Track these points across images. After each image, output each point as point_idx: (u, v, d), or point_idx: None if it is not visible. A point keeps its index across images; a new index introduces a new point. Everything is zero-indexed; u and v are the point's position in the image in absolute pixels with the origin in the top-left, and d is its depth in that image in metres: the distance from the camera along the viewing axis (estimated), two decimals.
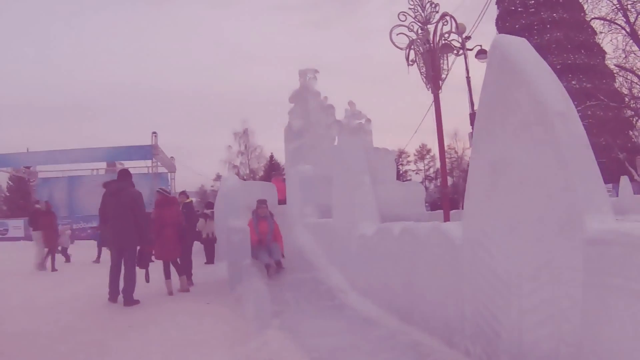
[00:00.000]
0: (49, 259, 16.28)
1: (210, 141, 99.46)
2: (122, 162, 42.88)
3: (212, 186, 68.24)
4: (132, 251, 9.52)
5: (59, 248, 18.32)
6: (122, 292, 9.26)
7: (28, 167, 45.10)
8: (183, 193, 12.98)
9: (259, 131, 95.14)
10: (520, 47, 4.27)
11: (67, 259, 18.60)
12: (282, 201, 16.54)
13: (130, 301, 9.15)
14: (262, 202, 11.18)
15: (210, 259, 15.71)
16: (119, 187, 9.67)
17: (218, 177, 69.24)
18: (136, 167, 38.79)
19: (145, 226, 9.81)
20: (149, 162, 39.86)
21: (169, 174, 43.59)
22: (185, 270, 11.50)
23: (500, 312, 4.33)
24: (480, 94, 4.74)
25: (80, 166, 42.10)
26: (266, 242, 10.64)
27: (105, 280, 9.74)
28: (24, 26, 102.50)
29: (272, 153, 69.75)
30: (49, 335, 6.95)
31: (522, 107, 4.01)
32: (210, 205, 16.97)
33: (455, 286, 5.10)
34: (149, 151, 39.83)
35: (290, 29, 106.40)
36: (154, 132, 40.23)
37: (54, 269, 15.94)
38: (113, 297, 9.32)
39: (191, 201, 12.42)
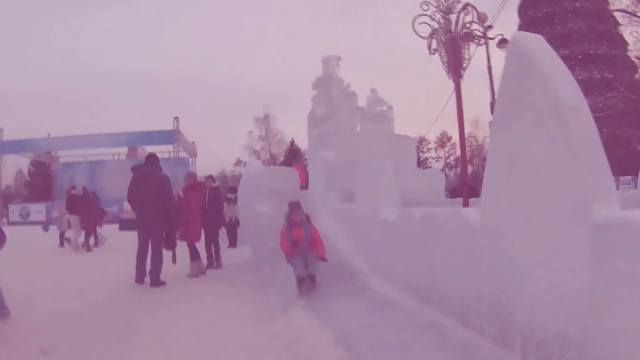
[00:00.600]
0: (90, 239, 17.62)
1: (231, 126, 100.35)
2: (144, 146, 43.35)
3: (232, 171, 68.63)
4: (159, 234, 9.80)
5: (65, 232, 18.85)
6: (149, 274, 9.54)
7: (49, 152, 45.55)
8: (210, 177, 13.23)
9: (280, 116, 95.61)
10: (537, 44, 4.49)
11: (61, 243, 18.80)
12: (302, 187, 16.77)
13: (157, 282, 9.43)
14: (295, 206, 9.10)
15: (233, 243, 16.03)
16: (147, 171, 9.91)
17: (239, 162, 69.72)
18: (158, 151, 38.89)
19: (173, 210, 10.12)
20: (170, 147, 40.10)
21: (190, 158, 43.87)
22: (215, 252, 11.92)
23: (513, 294, 4.57)
24: (498, 88, 4.99)
25: (101, 151, 42.51)
26: (301, 250, 8.64)
27: (130, 263, 10.09)
28: (46, 13, 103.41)
29: (292, 138, 70.10)
30: (80, 315, 7.17)
31: (537, 102, 4.25)
32: (233, 190, 17.23)
33: (473, 269, 5.32)
34: (170, 136, 40.10)
35: (311, 16, 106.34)
36: (176, 117, 40.51)
37: (89, 250, 17.00)
38: (140, 279, 9.61)
39: (218, 186, 12.63)
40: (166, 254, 9.98)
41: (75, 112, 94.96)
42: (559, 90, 4.07)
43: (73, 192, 18.94)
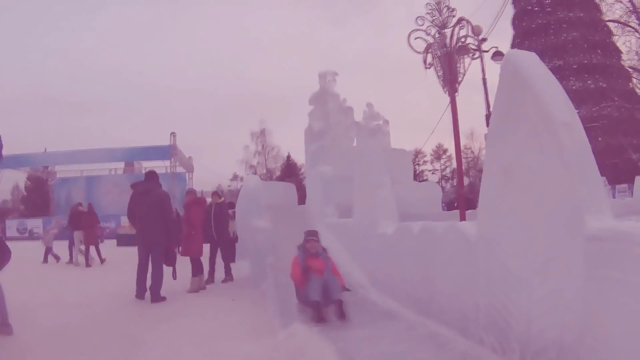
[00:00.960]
0: (92, 253, 17.53)
1: (227, 141, 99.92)
2: (140, 161, 43.40)
3: (229, 186, 68.57)
4: (160, 250, 9.79)
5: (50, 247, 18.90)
6: (149, 289, 9.54)
7: (46, 167, 45.55)
8: (216, 193, 13.33)
9: (277, 127, 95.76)
10: (531, 62, 4.69)
11: (45, 259, 18.60)
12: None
13: (157, 298, 9.44)
14: (311, 235, 8.38)
15: (231, 258, 16.11)
16: (148, 187, 9.97)
17: (235, 177, 69.74)
18: (155, 167, 38.80)
19: (173, 226, 10.22)
20: (167, 162, 39.96)
21: (186, 173, 43.84)
22: (225, 266, 12.02)
23: (511, 303, 4.71)
24: (494, 103, 5.17)
25: (98, 166, 42.45)
26: (324, 276, 7.54)
27: (129, 279, 10.10)
28: (39, 23, 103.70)
29: (289, 153, 70.14)
30: (82, 330, 7.21)
31: (531, 117, 4.42)
32: (232, 205, 17.37)
33: (470, 280, 5.46)
34: (167, 151, 39.95)
35: (307, 25, 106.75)
36: (173, 132, 40.42)
37: (88, 265, 16.99)
38: (140, 294, 9.60)
39: (223, 201, 12.71)
40: (166, 269, 9.98)
41: (69, 117, 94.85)
42: (552, 106, 4.25)
43: (80, 208, 19.25)
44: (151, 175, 10.53)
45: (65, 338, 6.73)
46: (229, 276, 12.11)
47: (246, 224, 12.55)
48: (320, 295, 7.18)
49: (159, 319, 7.92)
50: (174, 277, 10.33)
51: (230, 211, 16.62)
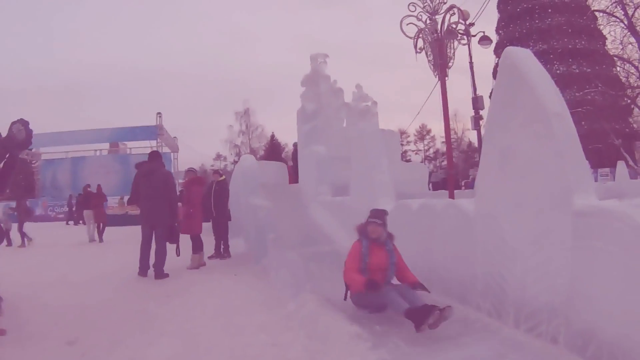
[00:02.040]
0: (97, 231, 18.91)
1: (211, 121, 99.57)
2: (126, 142, 43.36)
3: (212, 165, 68.42)
4: (163, 228, 10.06)
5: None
6: (153, 266, 9.81)
7: (30, 149, 45.24)
8: (216, 172, 13.56)
9: (260, 110, 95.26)
10: (526, 58, 5.30)
11: (9, 242, 17.54)
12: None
13: (160, 274, 9.73)
14: (376, 215, 6.52)
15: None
16: (152, 168, 10.18)
17: (219, 157, 69.73)
18: (140, 147, 38.93)
19: (176, 204, 10.59)
20: (153, 142, 39.85)
21: (172, 153, 43.76)
22: (223, 243, 12.40)
23: (506, 272, 5.32)
24: (493, 94, 5.75)
25: (83, 147, 42.25)
26: (385, 282, 6.08)
27: (128, 258, 10.44)
28: (23, 9, 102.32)
29: (273, 132, 70.10)
30: (95, 308, 7.33)
31: (527, 107, 5.05)
32: None
33: (468, 252, 6.05)
34: (153, 131, 39.89)
35: (291, 8, 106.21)
36: (159, 113, 40.38)
37: (101, 240, 18.38)
38: (143, 272, 9.85)
39: (224, 179, 12.94)
40: (169, 246, 10.24)
41: (56, 105, 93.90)
42: (545, 98, 4.88)
43: (88, 189, 20.65)
44: (155, 155, 10.75)
45: (80, 316, 6.89)
46: (227, 253, 12.43)
47: (241, 202, 12.93)
48: (401, 300, 5.63)
49: (167, 295, 8.14)
50: (178, 254, 10.55)
51: None
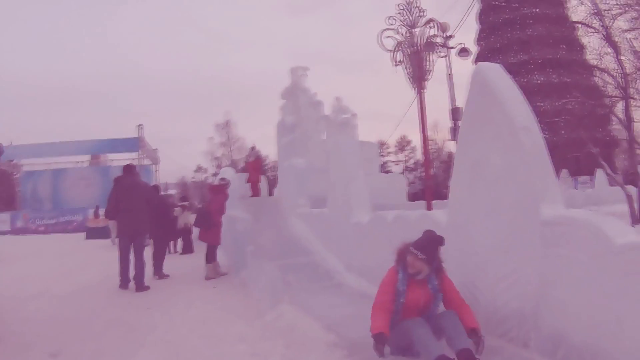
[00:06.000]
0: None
1: (191, 133, 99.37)
2: (107, 154, 43.18)
3: (192, 177, 68.36)
4: (142, 239, 10.14)
5: None
6: (133, 279, 9.82)
7: (11, 160, 44.89)
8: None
9: (241, 120, 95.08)
10: (497, 74, 5.46)
11: None
12: (254, 184, 17.55)
13: (142, 287, 9.75)
14: (424, 246, 5.03)
15: (189, 249, 16.11)
16: (133, 181, 10.27)
17: (199, 169, 69.63)
18: (121, 159, 38.60)
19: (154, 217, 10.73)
20: (134, 155, 39.77)
21: (152, 165, 43.66)
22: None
23: (478, 281, 5.46)
24: (464, 107, 5.94)
25: (64, 159, 42.03)
26: (428, 314, 4.91)
27: (107, 271, 10.47)
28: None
29: (253, 144, 70.13)
30: (77, 320, 7.38)
31: (496, 121, 5.22)
32: (185, 198, 17.68)
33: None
34: (134, 144, 39.81)
35: (271, 15, 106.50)
36: (140, 125, 40.34)
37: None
38: (124, 284, 9.84)
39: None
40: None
41: (33, 118, 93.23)
42: (514, 112, 5.06)
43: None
44: (131, 168, 10.78)
45: (63, 327, 6.94)
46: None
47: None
48: (435, 343, 4.55)
49: (148, 306, 8.22)
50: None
51: (184, 203, 17.06)
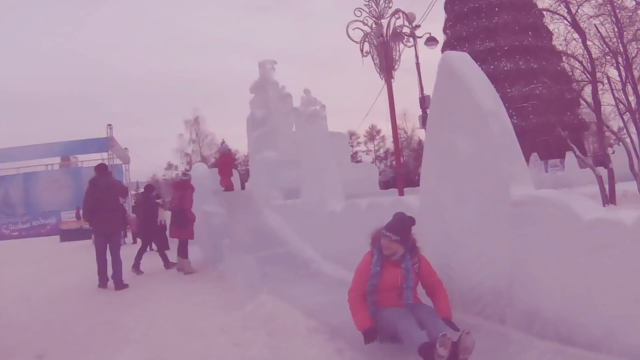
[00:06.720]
0: None
1: (162, 131, 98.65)
2: (77, 156, 42.65)
3: (163, 175, 67.90)
4: (118, 238, 10.27)
5: None
6: (112, 278, 9.85)
7: None
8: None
9: (210, 117, 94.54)
10: (464, 62, 5.60)
11: None
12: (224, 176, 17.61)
13: (120, 285, 9.79)
14: (396, 228, 5.03)
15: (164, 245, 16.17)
16: (108, 181, 10.29)
17: (170, 166, 69.23)
18: (92, 159, 38.09)
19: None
20: (104, 155, 39.36)
21: (123, 165, 43.29)
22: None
23: (452, 262, 5.62)
24: (432, 95, 6.05)
25: (34, 162, 41.48)
26: (403, 302, 4.88)
27: (84, 271, 10.53)
28: None
29: (223, 140, 69.81)
30: (59, 322, 7.38)
31: (465, 108, 5.36)
32: (158, 196, 17.63)
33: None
34: (104, 144, 39.34)
35: (233, 13, 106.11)
36: (109, 125, 39.89)
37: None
38: (103, 284, 9.89)
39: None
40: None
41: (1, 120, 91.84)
42: (481, 98, 5.20)
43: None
44: (103, 167, 10.76)
45: (47, 330, 6.98)
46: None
47: (195, 210, 12.98)
48: (417, 331, 4.52)
49: (129, 304, 8.30)
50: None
51: (158, 200, 17.02)
